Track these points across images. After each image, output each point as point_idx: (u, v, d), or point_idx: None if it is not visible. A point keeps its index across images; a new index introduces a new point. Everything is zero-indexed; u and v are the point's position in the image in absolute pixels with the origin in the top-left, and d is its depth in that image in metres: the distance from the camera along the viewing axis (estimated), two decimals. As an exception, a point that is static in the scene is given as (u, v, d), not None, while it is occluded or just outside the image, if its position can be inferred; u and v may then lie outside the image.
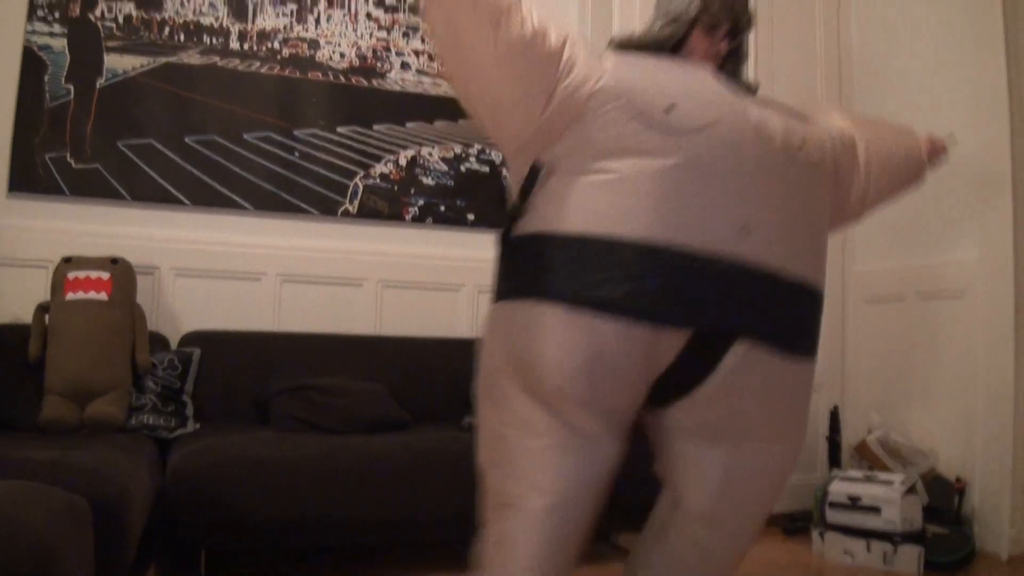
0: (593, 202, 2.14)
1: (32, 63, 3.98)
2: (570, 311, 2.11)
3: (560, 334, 2.11)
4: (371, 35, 4.49)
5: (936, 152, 2.83)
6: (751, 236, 2.10)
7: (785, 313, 2.17)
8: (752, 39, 4.29)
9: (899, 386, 4.19)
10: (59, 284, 3.56)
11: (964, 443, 3.82)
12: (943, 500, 3.71)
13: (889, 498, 3.56)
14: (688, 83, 2.21)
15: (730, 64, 2.47)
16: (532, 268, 2.19)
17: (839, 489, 3.71)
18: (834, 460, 4.17)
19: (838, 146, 2.42)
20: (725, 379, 2.15)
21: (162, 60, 4.15)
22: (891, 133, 2.75)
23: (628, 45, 2.42)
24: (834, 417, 4.22)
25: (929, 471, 3.84)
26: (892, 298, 4.27)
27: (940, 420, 3.97)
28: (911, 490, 3.61)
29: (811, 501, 3.99)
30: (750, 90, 2.36)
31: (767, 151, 2.17)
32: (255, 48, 4.30)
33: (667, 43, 2.41)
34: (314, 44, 4.39)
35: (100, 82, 4.06)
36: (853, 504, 3.64)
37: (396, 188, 4.45)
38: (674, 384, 2.20)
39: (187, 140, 4.14)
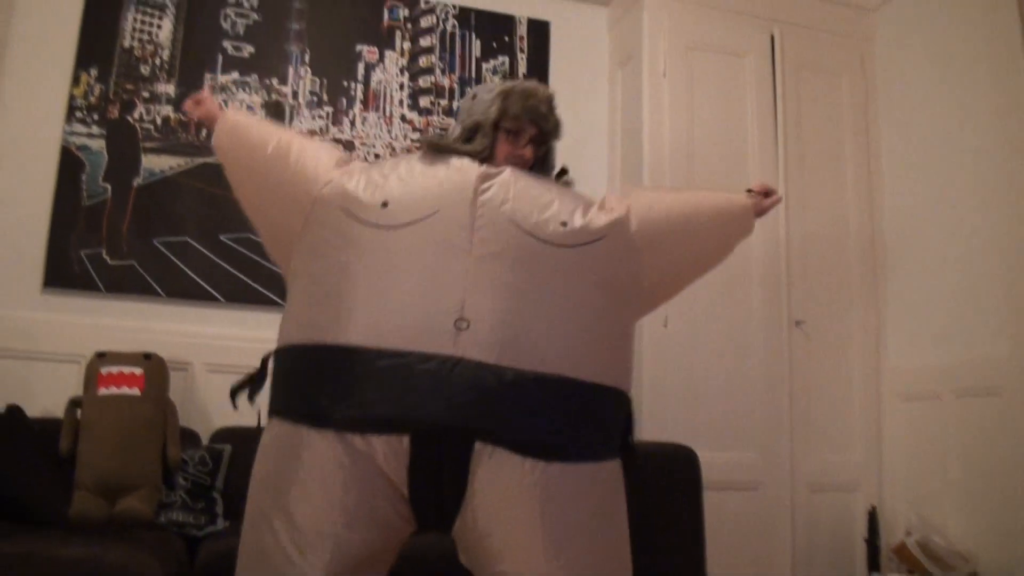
0: (306, 309, 2.10)
1: (70, 163, 4.06)
2: (284, 427, 2.05)
3: (275, 458, 2.06)
4: (405, 136, 4.56)
5: (763, 202, 2.49)
6: (470, 330, 1.96)
7: (521, 409, 1.96)
8: (782, 168, 4.41)
9: (938, 486, 4.10)
10: (92, 379, 3.56)
11: (1005, 545, 3.72)
12: (985, 605, 3.62)
13: (929, 603, 3.48)
14: (415, 177, 2.16)
15: (537, 172, 2.37)
16: (272, 384, 2.15)
17: (878, 594, 3.63)
18: (873, 563, 4.08)
19: (618, 224, 2.20)
20: (482, 493, 1.97)
21: (199, 160, 4.22)
22: (696, 195, 2.48)
23: (438, 148, 2.32)
24: (872, 519, 4.15)
25: (970, 575, 3.74)
26: (928, 395, 4.21)
27: (980, 522, 3.87)
28: (952, 595, 3.53)
29: (850, 606, 3.90)
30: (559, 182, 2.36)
31: (509, 243, 2.04)
32: (290, 149, 4.36)
33: (479, 156, 2.29)
34: (349, 146, 4.45)
35: (137, 181, 4.13)
36: (893, 609, 3.56)
37: (427, 286, 4.45)
38: (436, 505, 2.03)
39: (222, 237, 4.18)
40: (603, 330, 2.13)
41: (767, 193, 2.48)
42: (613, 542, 2.12)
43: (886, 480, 4.40)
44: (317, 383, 2.00)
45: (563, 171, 2.48)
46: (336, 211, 2.13)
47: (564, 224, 2.11)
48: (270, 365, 2.21)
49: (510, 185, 2.14)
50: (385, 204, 2.09)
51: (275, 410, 2.11)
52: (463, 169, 2.17)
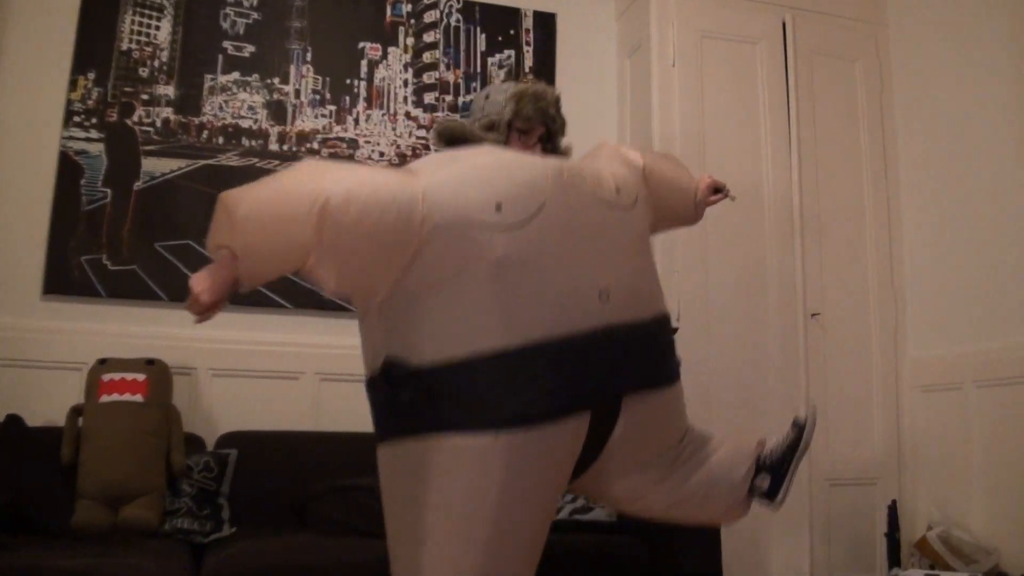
0: (454, 325, 2.16)
1: (68, 168, 4.01)
2: (471, 438, 2.13)
3: (469, 466, 2.14)
4: (410, 134, 4.49)
5: (710, 191, 2.99)
6: (611, 299, 2.26)
7: (652, 354, 2.37)
8: (796, 140, 4.33)
9: (959, 479, 4.02)
10: (94, 386, 3.53)
11: (1030, 538, 3.65)
12: (1010, 599, 3.54)
13: (953, 598, 3.40)
14: (506, 173, 2.29)
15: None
16: (425, 402, 2.16)
17: (901, 589, 3.56)
18: (893, 558, 4.00)
19: (637, 177, 2.61)
20: (624, 432, 2.32)
21: (200, 162, 4.17)
22: (670, 164, 2.93)
23: (455, 139, 2.57)
24: (892, 513, 4.06)
25: (993, 569, 3.67)
26: (949, 386, 4.12)
27: (1003, 515, 3.79)
28: (976, 589, 3.45)
29: (871, 602, 3.83)
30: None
31: (595, 212, 2.34)
32: (294, 149, 4.31)
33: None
34: (353, 144, 4.40)
35: (138, 185, 4.08)
36: (916, 605, 3.48)
37: (435, 285, 4.39)
38: (582, 457, 2.32)
39: (225, 240, 4.11)
40: (655, 267, 2.55)
41: (717, 189, 2.99)
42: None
43: (906, 473, 4.32)
44: (488, 390, 2.13)
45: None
46: (454, 222, 2.17)
47: (618, 191, 2.42)
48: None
49: (574, 168, 2.41)
50: (499, 206, 2.20)
51: (455, 424, 2.15)
52: (537, 162, 2.37)
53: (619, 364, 2.26)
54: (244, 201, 2.10)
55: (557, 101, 2.67)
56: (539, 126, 2.62)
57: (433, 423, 2.14)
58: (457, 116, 4.54)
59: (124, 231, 4.02)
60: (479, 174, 2.26)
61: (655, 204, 2.69)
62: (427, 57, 4.60)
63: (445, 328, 2.16)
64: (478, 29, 4.72)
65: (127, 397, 3.49)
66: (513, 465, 2.11)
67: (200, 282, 2.07)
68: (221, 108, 4.26)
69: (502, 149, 2.45)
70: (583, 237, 2.29)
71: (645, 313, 2.36)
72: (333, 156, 4.34)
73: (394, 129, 4.49)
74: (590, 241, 2.29)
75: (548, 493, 2.25)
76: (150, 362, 3.64)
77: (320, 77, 4.43)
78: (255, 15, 4.37)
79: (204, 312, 2.13)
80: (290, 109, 4.36)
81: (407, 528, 2.23)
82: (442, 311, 2.16)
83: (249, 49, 4.34)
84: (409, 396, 2.17)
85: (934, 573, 3.59)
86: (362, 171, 2.40)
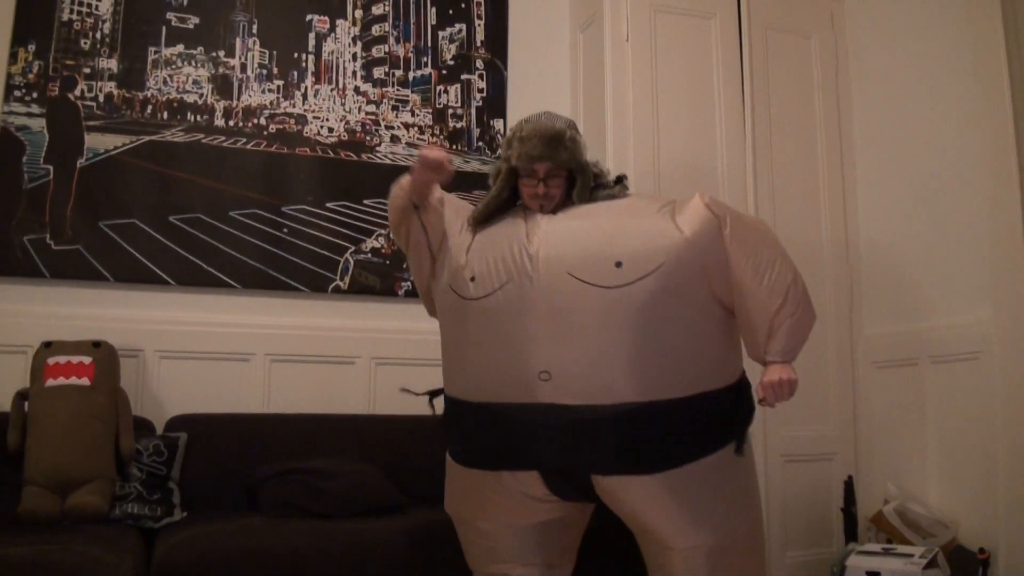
0: (446, 366, 2.72)
1: (9, 144, 3.88)
2: (449, 460, 2.77)
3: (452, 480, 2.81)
4: (359, 109, 4.42)
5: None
6: (552, 380, 2.35)
7: (610, 439, 2.36)
8: (750, 120, 4.31)
9: (915, 454, 4.05)
10: (39, 370, 3.44)
11: (986, 511, 3.67)
12: (967, 572, 3.55)
13: (909, 572, 3.41)
14: (488, 249, 2.56)
15: (582, 198, 2.68)
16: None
17: (857, 564, 3.57)
18: (850, 533, 4.02)
19: (680, 247, 2.46)
20: (608, 499, 2.53)
21: (145, 138, 4.07)
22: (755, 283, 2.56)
23: (481, 217, 2.74)
24: (848, 488, 4.08)
25: (950, 542, 3.69)
26: (904, 363, 4.14)
27: (960, 488, 3.82)
28: (932, 563, 3.46)
29: (828, 575, 3.85)
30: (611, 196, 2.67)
31: (570, 297, 2.38)
32: (241, 124, 4.22)
33: (500, 198, 2.72)
34: (301, 119, 4.31)
35: (81, 162, 3.96)
36: (872, 579, 3.50)
37: (388, 263, 4.34)
38: (585, 499, 2.62)
39: (171, 219, 4.03)
40: (672, 344, 2.43)
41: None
42: (742, 510, 2.58)
43: (862, 449, 4.34)
44: (455, 430, 2.73)
45: (619, 179, 2.78)
46: (445, 285, 2.67)
47: (619, 265, 2.39)
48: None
49: (555, 236, 2.50)
50: (473, 278, 2.53)
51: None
52: (518, 232, 2.55)
53: (558, 439, 2.39)
54: None
55: (557, 135, 2.63)
56: (540, 164, 2.62)
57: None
58: (409, 92, 4.49)
59: (67, 210, 3.90)
60: (474, 246, 2.63)
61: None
62: (376, 30, 4.51)
63: (445, 367, 2.74)
64: (428, 1, 4.63)
65: (73, 381, 3.41)
66: (475, 489, 2.65)
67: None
68: (165, 82, 4.15)
69: (496, 225, 2.67)
70: (542, 316, 2.40)
71: (606, 399, 2.36)
72: (280, 132, 4.26)
73: (343, 104, 4.41)
74: (549, 321, 2.39)
75: (513, 518, 2.66)
76: (96, 344, 3.55)
77: (267, 50, 4.33)
78: (199, -15, 4.26)
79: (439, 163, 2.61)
80: (236, 83, 4.26)
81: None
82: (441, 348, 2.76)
83: (193, 20, 4.22)
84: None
85: (891, 547, 3.61)
86: None
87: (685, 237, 2.45)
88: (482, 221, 2.70)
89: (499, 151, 2.89)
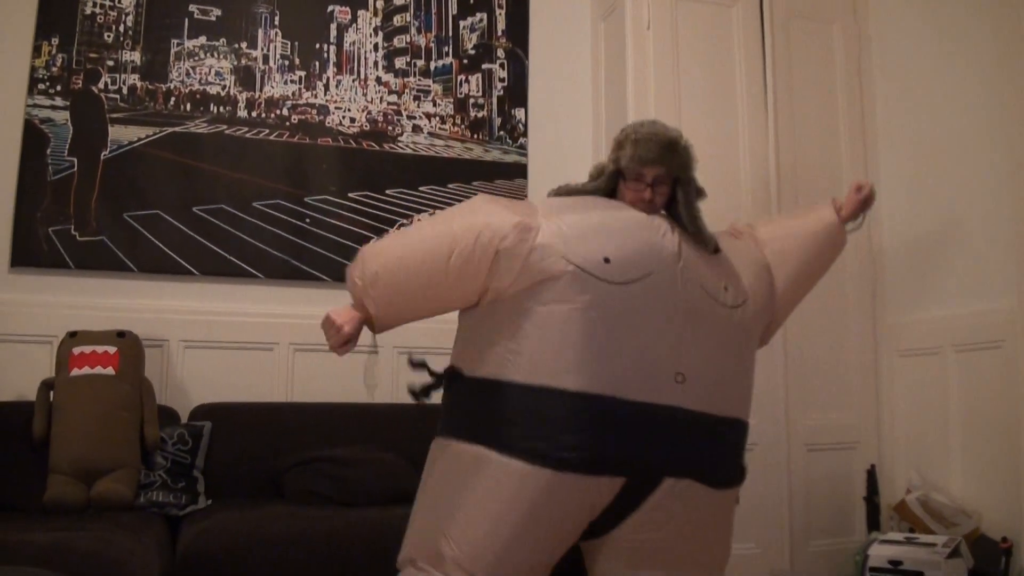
0: (539, 352, 2.30)
1: (33, 137, 3.92)
2: (516, 463, 2.29)
3: (505, 487, 2.30)
4: (381, 99, 4.43)
5: (859, 201, 3.01)
6: (686, 383, 2.28)
7: (712, 450, 2.38)
8: (772, 116, 4.29)
9: (938, 443, 4.02)
10: (64, 360, 3.47)
11: (1009, 501, 3.63)
12: (989, 562, 3.53)
13: (932, 561, 3.40)
14: (623, 234, 2.40)
15: (679, 208, 2.60)
16: (485, 413, 2.38)
17: (879, 553, 3.56)
18: (873, 522, 4.01)
19: (762, 283, 2.66)
20: (651, 512, 2.34)
21: (168, 130, 4.09)
22: (796, 222, 2.98)
23: (566, 193, 2.64)
24: (871, 477, 4.07)
25: (973, 531, 3.67)
26: (927, 351, 4.11)
27: (983, 477, 3.79)
28: (955, 552, 3.45)
29: (850, 565, 3.83)
30: (705, 244, 2.56)
31: (699, 300, 2.36)
32: (263, 115, 4.24)
33: (595, 195, 2.62)
34: (323, 110, 4.33)
35: (104, 153, 3.99)
36: (894, 568, 3.48)
37: (409, 253, 4.34)
38: (602, 520, 2.38)
39: (195, 210, 4.06)
40: (750, 373, 2.57)
41: (859, 188, 2.99)
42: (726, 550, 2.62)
43: (885, 438, 4.32)
44: (551, 424, 2.27)
45: (700, 191, 2.70)
46: (559, 259, 2.32)
47: (726, 288, 2.46)
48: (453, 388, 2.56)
49: (690, 252, 2.46)
50: (607, 260, 2.31)
51: (504, 444, 2.32)
52: (662, 232, 2.45)
53: (674, 446, 2.31)
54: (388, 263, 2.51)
55: (670, 142, 2.56)
56: (649, 170, 2.53)
57: (492, 439, 2.32)
58: (430, 82, 4.50)
59: (92, 201, 3.94)
60: (593, 225, 2.41)
61: (797, 268, 2.82)
62: (397, 20, 4.52)
63: (527, 352, 2.31)
64: (449, -9, 4.65)
65: (98, 370, 3.43)
66: (541, 497, 2.26)
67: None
68: (188, 74, 4.18)
69: (626, 209, 2.54)
70: (680, 316, 2.33)
71: (720, 410, 2.38)
72: (303, 122, 4.28)
73: (365, 95, 4.42)
74: (686, 323, 2.33)
75: (563, 528, 2.37)
76: (121, 334, 3.58)
77: (288, 42, 4.34)
78: (221, -24, 4.29)
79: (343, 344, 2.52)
80: (258, 75, 4.28)
81: (442, 510, 2.40)
82: (529, 335, 2.32)
83: (215, 12, 4.25)
84: (476, 406, 2.42)
85: (914, 536, 3.60)
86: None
87: (765, 266, 2.72)
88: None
89: (609, 152, 2.65)
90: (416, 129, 4.46)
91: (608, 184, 2.61)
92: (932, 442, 4.06)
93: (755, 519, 4.03)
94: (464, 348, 2.54)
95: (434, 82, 4.54)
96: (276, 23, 4.32)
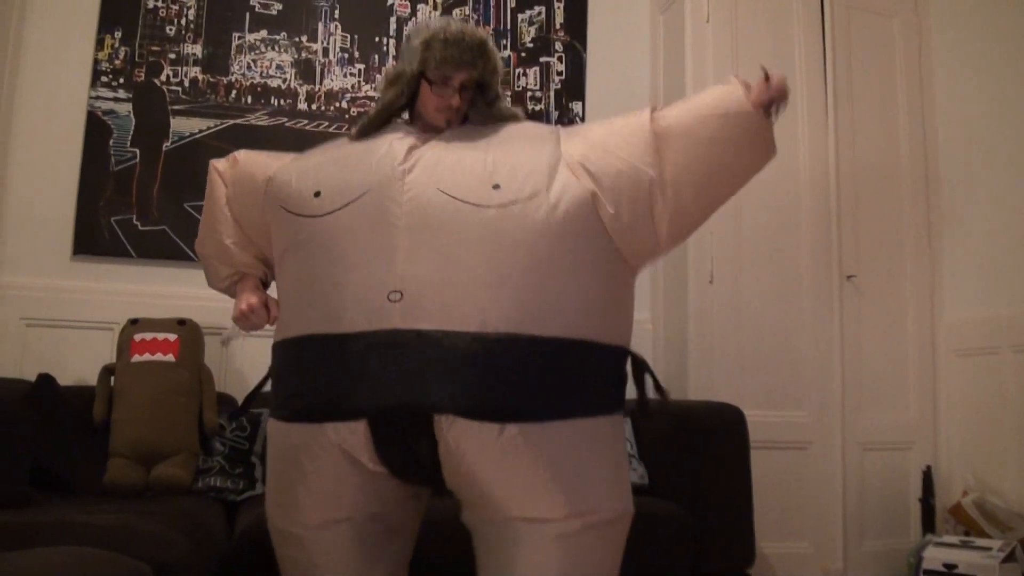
0: (283, 307, 2.17)
1: (96, 128, 4.01)
2: (272, 422, 2.16)
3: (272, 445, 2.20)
4: (438, 92, 4.44)
5: (768, 92, 2.24)
6: (404, 301, 1.92)
7: (466, 375, 1.90)
8: (832, 115, 4.24)
9: (995, 445, 3.97)
10: (125, 346, 3.53)
11: (1068, 505, 3.60)
12: (1046, 567, 3.50)
13: (987, 566, 3.38)
14: (343, 161, 2.16)
15: (480, 113, 2.30)
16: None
17: (934, 555, 3.54)
18: (928, 524, 3.97)
19: (557, 168, 2.09)
20: (445, 458, 1.95)
21: (229, 122, 4.15)
22: (691, 106, 2.26)
23: (361, 122, 2.31)
24: (927, 478, 4.03)
25: (1029, 535, 3.63)
26: (986, 351, 4.06)
27: (1041, 481, 3.75)
28: (1010, 556, 3.41)
29: (904, 567, 3.80)
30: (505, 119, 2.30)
31: (436, 211, 1.99)
32: (323, 108, 4.28)
33: (393, 106, 2.27)
34: (381, 102, 4.35)
35: (166, 145, 4.06)
36: (949, 572, 3.46)
37: (465, 245, 4.36)
38: (416, 473, 2.05)
39: (255, 200, 4.10)
40: (561, 278, 2.01)
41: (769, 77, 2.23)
42: (612, 492, 2.07)
43: (941, 439, 4.27)
44: (298, 377, 2.05)
45: (498, 97, 2.36)
46: (278, 209, 2.17)
47: (497, 187, 2.02)
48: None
49: (439, 152, 2.11)
50: (317, 194, 2.09)
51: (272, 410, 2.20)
52: (392, 147, 2.14)
53: (410, 375, 1.91)
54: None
55: (480, 44, 2.24)
56: (457, 74, 2.20)
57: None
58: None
59: (153, 191, 4.01)
60: (315, 163, 2.20)
61: (687, 165, 2.12)
62: (456, 14, 4.53)
63: (281, 308, 2.20)
64: (508, -16, 4.66)
65: (159, 357, 3.49)
66: (286, 451, 2.09)
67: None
68: (249, 67, 4.23)
69: (350, 142, 2.25)
70: (401, 231, 1.99)
71: (467, 325, 1.91)
72: (362, 115, 4.29)
73: (423, 88, 4.43)
74: (408, 235, 1.98)
75: (325, 480, 2.05)
76: (181, 322, 3.63)
77: (348, 35, 4.38)
78: (282, -28, 4.33)
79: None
80: (318, 68, 4.32)
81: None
82: (279, 292, 2.22)
83: (276, 7, 4.30)
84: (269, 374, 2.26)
85: (969, 539, 3.56)
86: None
87: (573, 164, 2.12)
88: (364, 136, 2.26)
89: (403, 48, 2.30)
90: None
91: (409, 90, 2.24)
92: (988, 444, 4.01)
93: (808, 517, 4.02)
94: None
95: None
96: (336, 16, 4.36)
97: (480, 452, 1.93)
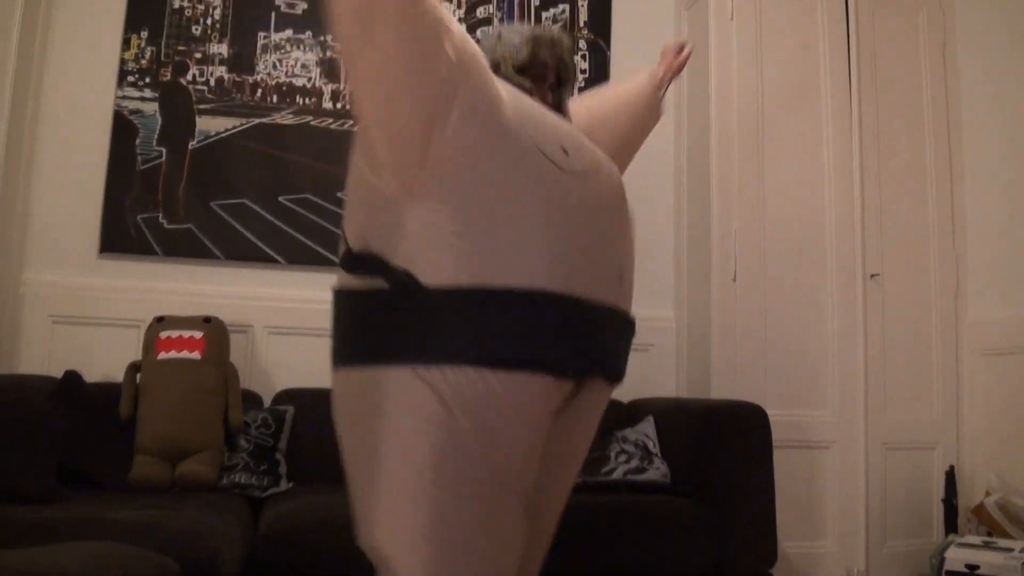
0: (493, 242, 1.85)
1: (123, 127, 4.04)
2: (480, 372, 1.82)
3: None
4: (462, 91, 4.45)
5: (681, 64, 2.94)
6: (622, 284, 2.08)
7: (622, 348, 2.18)
8: (856, 106, 4.23)
9: (1019, 446, 3.95)
10: (151, 343, 3.56)
11: (1093, 505, 3.58)
12: (1070, 568, 3.48)
13: (1009, 567, 3.35)
14: (564, 126, 2.17)
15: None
16: (431, 327, 1.87)
17: (956, 556, 3.51)
18: (950, 524, 3.96)
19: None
20: (565, 418, 2.02)
21: (255, 121, 4.17)
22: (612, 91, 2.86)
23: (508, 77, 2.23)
24: (950, 479, 4.01)
25: (1053, 537, 3.62)
26: (1010, 350, 4.04)
27: (1065, 481, 3.73)
28: (1033, 558, 3.40)
29: (926, 567, 3.78)
30: None
31: (619, 198, 2.15)
32: (348, 107, 4.30)
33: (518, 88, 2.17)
34: (405, 101, 4.36)
35: (192, 144, 4.09)
36: (971, 573, 3.44)
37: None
38: None
39: (280, 199, 4.13)
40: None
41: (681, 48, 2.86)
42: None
43: (965, 439, 4.25)
44: (511, 325, 1.86)
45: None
46: (527, 143, 1.93)
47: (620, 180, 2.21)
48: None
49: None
50: (566, 151, 2.00)
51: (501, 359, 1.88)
52: (568, 125, 2.24)
53: (608, 347, 2.07)
54: None
55: (571, 50, 2.44)
56: (551, 73, 2.34)
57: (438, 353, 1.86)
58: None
59: (179, 190, 4.04)
60: (543, 113, 2.09)
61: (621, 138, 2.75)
62: (481, 12, 4.54)
63: (486, 246, 1.86)
64: (532, -17, 4.66)
65: (185, 354, 3.52)
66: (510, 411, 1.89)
67: None
68: (275, 66, 4.25)
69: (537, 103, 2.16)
70: (612, 214, 2.08)
71: (630, 309, 2.14)
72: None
73: (447, 86, 4.44)
74: (615, 220, 2.09)
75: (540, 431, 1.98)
76: (207, 320, 3.66)
77: (373, 34, 4.39)
78: (307, -29, 4.35)
79: None
80: (343, 66, 4.34)
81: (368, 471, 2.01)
82: (488, 225, 1.87)
83: (301, 6, 4.32)
84: (414, 316, 1.90)
85: (991, 540, 3.55)
86: None
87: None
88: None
89: (492, 44, 2.32)
90: (496, 120, 4.48)
91: (515, 82, 2.22)
92: (1012, 444, 3.99)
93: (831, 517, 4.02)
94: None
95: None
96: (360, 15, 4.37)
97: (596, 407, 2.18)
